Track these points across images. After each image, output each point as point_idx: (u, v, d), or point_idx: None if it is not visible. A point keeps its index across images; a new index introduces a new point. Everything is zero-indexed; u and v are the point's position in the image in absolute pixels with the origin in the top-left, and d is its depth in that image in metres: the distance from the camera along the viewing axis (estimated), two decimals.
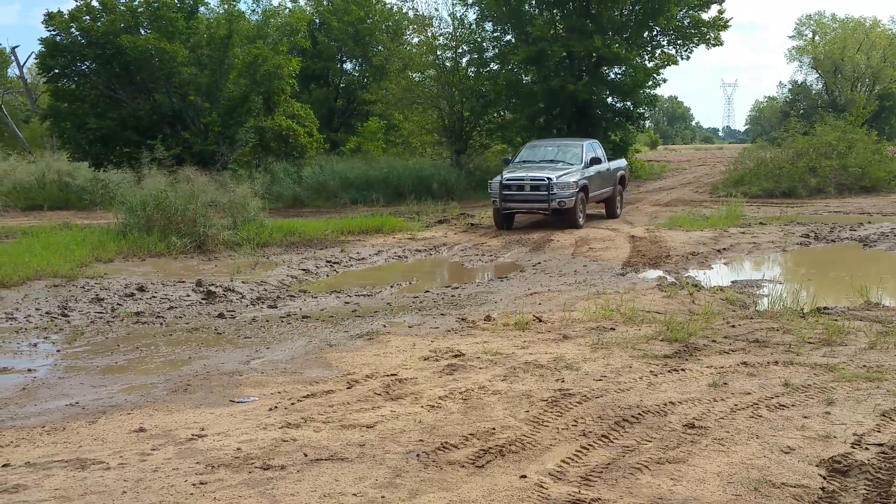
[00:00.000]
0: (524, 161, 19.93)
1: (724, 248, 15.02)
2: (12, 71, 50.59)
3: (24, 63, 43.78)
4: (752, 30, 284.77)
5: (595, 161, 19.40)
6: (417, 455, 4.96)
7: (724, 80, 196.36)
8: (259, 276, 13.51)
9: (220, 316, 10.09)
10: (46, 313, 10.30)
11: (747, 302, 10.08)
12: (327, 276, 14.20)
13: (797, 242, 15.57)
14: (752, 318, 8.66)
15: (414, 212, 22.71)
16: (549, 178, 18.04)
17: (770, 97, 79.50)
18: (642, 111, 31.81)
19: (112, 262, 14.19)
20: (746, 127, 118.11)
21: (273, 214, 21.54)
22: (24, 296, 11.24)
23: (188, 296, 11.69)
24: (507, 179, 18.45)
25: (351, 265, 15.20)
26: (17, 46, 49.18)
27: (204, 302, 11.34)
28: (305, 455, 4.98)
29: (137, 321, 9.82)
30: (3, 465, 4.97)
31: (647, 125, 53.70)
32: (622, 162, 22.32)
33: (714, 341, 7.58)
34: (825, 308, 9.34)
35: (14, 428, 5.79)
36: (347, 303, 11.04)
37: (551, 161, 19.43)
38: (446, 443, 5.14)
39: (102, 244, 14.88)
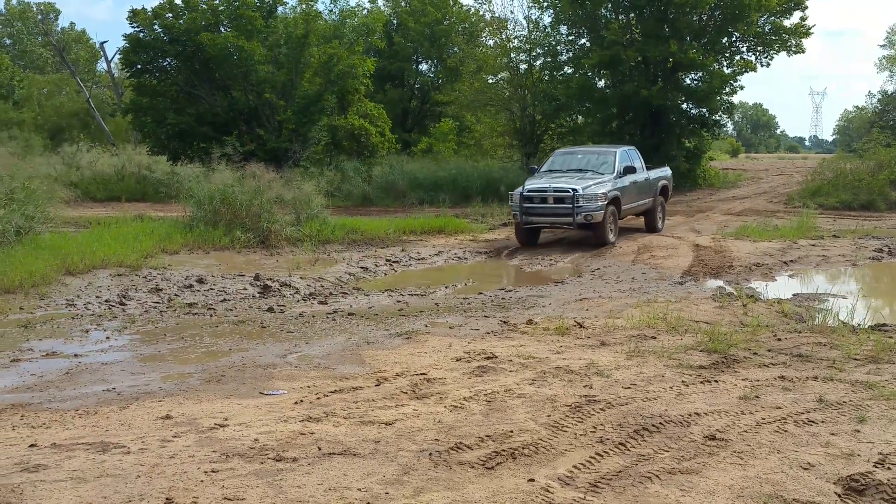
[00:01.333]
0: (551, 170, 18.35)
1: (791, 260, 14.62)
2: (101, 65, 52.36)
3: (112, 58, 45.19)
4: (843, 37, 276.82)
5: (629, 170, 17.82)
6: (430, 454, 4.97)
7: (813, 89, 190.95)
8: (318, 272, 13.71)
9: (270, 310, 10.27)
10: (105, 301, 10.65)
11: (804, 316, 9.78)
12: (385, 274, 14.34)
13: (869, 257, 15.07)
14: (800, 332, 8.41)
15: (479, 214, 22.76)
16: (574, 190, 16.42)
17: (859, 107, 77.11)
18: (718, 118, 31.25)
19: (177, 253, 14.57)
20: (834, 137, 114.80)
21: (341, 212, 21.85)
22: (88, 284, 11.63)
23: (245, 289, 11.93)
24: (529, 191, 16.86)
25: (410, 265, 15.31)
26: (105, 42, 51.22)
27: (258, 296, 11.57)
28: (319, 449, 5.04)
29: (189, 312, 10.08)
30: (30, 445, 5.15)
31: (727, 132, 52.68)
32: (665, 171, 20.77)
33: (755, 354, 7.39)
34: (883, 325, 9.04)
35: (49, 410, 6.01)
36: (398, 302, 11.11)
37: (580, 170, 17.84)
38: (461, 443, 5.14)
39: (169, 236, 15.29)
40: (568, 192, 16.47)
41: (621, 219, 17.85)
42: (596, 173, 17.51)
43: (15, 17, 60.61)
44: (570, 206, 16.40)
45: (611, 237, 17.03)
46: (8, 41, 61.72)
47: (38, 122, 42.21)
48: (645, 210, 19.17)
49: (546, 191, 16.77)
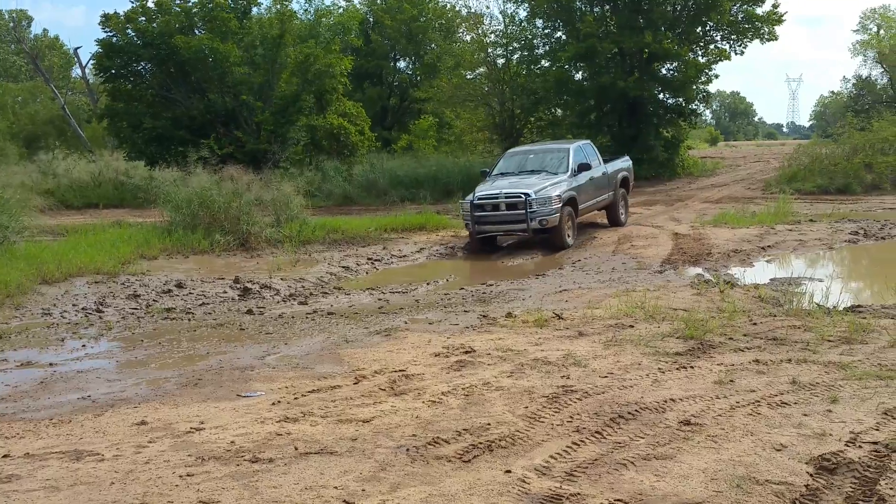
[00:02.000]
0: (502, 173, 17.33)
1: (769, 246, 14.73)
2: (75, 71, 52.03)
3: (87, 64, 44.90)
4: (819, 24, 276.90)
5: (584, 167, 16.81)
6: (407, 449, 4.97)
7: (789, 75, 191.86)
8: (299, 273, 13.68)
9: (249, 312, 10.25)
10: (82, 309, 10.60)
11: (781, 300, 9.83)
12: (367, 273, 14.33)
13: (845, 240, 15.19)
14: (775, 316, 8.47)
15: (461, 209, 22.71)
16: (525, 195, 15.41)
17: (834, 92, 77.44)
18: (695, 107, 31.45)
19: (156, 259, 14.47)
20: (811, 123, 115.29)
21: (322, 212, 21.80)
22: (65, 292, 11.54)
23: (224, 292, 11.90)
24: (480, 198, 15.82)
25: (392, 262, 15.31)
26: (79, 47, 51.03)
27: (238, 298, 11.56)
28: (296, 448, 5.03)
29: (167, 317, 10.05)
30: (3, 456, 5.12)
31: (705, 121, 52.82)
32: (624, 162, 19.66)
33: (731, 339, 7.43)
34: (857, 306, 9.11)
35: (23, 420, 5.97)
36: (379, 300, 11.12)
37: (532, 171, 16.88)
38: (438, 438, 5.15)
39: (148, 242, 15.17)
40: (520, 196, 15.54)
41: (580, 217, 17.00)
42: (549, 173, 16.60)
43: None
44: (524, 211, 15.44)
45: (569, 240, 16.13)
46: None
47: (12, 130, 41.80)
48: (605, 205, 18.41)
49: (497, 197, 15.80)
